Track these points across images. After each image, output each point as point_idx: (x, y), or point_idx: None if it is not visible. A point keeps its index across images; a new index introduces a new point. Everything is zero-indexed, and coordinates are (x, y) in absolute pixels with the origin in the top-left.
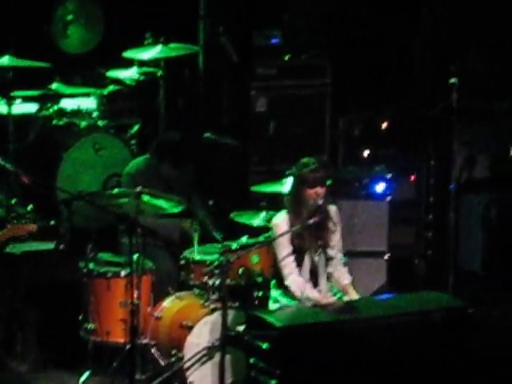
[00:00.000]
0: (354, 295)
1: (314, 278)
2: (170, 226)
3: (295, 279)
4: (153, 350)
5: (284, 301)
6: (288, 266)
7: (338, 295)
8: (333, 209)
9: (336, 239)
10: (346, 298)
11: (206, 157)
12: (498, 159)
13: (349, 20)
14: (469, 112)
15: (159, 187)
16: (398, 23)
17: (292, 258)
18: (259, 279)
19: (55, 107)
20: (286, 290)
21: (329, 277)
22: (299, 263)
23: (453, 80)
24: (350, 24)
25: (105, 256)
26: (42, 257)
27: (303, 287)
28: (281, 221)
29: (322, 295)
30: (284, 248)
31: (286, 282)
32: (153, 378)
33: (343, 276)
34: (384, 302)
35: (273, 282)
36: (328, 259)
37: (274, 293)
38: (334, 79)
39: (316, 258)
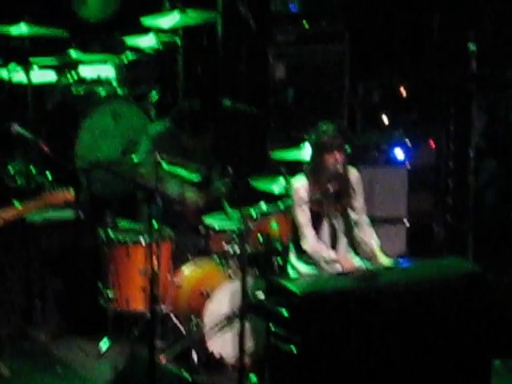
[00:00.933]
0: (383, 259)
1: (333, 242)
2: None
3: (313, 243)
4: (173, 318)
5: (301, 266)
6: (306, 230)
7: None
8: (354, 173)
9: (359, 202)
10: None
11: (224, 124)
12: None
13: None
14: (487, 79)
15: (178, 153)
16: None
17: (310, 221)
18: (278, 246)
19: (74, 75)
20: (304, 255)
21: (353, 242)
22: (318, 228)
23: (472, 47)
24: None
25: (124, 224)
26: (62, 225)
27: (320, 249)
28: (300, 185)
29: (342, 257)
30: (302, 212)
31: (304, 246)
32: (173, 345)
33: (371, 238)
34: (403, 268)
35: (291, 247)
36: (353, 223)
37: (292, 258)
38: (353, 45)
39: (335, 223)
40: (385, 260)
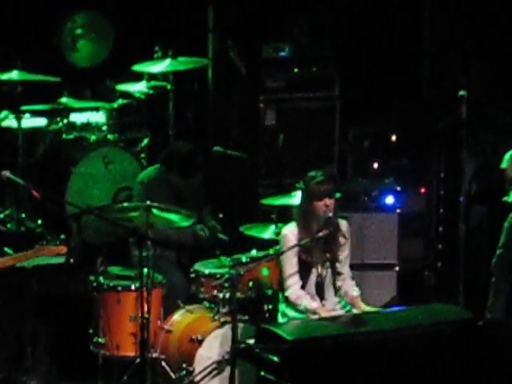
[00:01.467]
0: (362, 307)
1: (320, 292)
2: (182, 230)
3: (295, 290)
4: (163, 364)
5: (292, 314)
6: (291, 278)
7: (347, 308)
8: (343, 223)
9: (345, 253)
10: (354, 311)
11: (215, 170)
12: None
13: (357, 33)
14: (477, 123)
15: (170, 197)
16: (406, 36)
17: (296, 271)
18: (269, 292)
19: (65, 121)
20: (289, 302)
21: (338, 290)
22: (306, 277)
23: (462, 92)
24: (358, 37)
25: (115, 270)
26: (53, 271)
27: (303, 297)
28: (290, 232)
29: (320, 306)
30: (289, 260)
31: (286, 293)
32: None
33: (351, 289)
34: (394, 314)
35: (281, 295)
36: (337, 273)
37: (282, 306)
38: (343, 91)
39: (323, 272)
40: (366, 310)
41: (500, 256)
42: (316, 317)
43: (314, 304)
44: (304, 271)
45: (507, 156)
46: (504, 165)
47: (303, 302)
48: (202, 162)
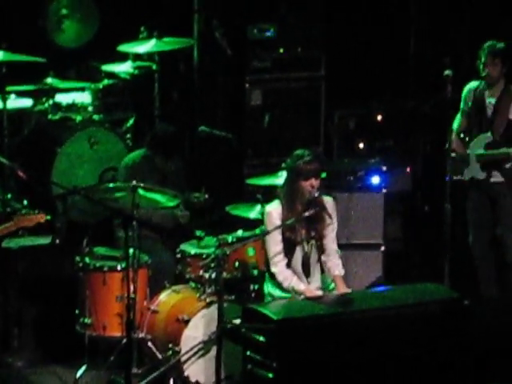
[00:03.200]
0: (342, 288)
1: (306, 269)
2: (163, 214)
3: (282, 270)
4: (149, 344)
5: (277, 293)
6: (276, 257)
7: (332, 286)
8: (329, 200)
9: (331, 231)
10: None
11: (201, 150)
12: None
13: (343, 13)
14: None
15: (155, 180)
16: (392, 17)
17: (281, 249)
18: (255, 272)
19: (50, 102)
20: (276, 281)
21: (323, 268)
22: (291, 254)
23: (447, 72)
24: (344, 17)
25: (101, 250)
26: (38, 251)
27: (290, 279)
28: (274, 210)
29: (307, 288)
30: (273, 238)
31: (272, 270)
32: (149, 371)
33: (335, 267)
34: (380, 293)
35: (267, 275)
36: (322, 250)
37: (268, 285)
38: (329, 72)
39: (308, 250)
40: (345, 290)
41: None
42: (302, 297)
43: (301, 286)
44: (288, 249)
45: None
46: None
47: (291, 284)
48: (184, 143)
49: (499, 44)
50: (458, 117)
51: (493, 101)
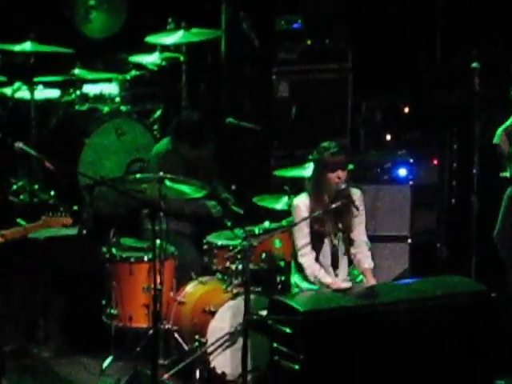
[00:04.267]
0: (371, 281)
1: (334, 262)
2: (196, 202)
3: (310, 263)
4: (176, 335)
5: (304, 285)
6: (304, 248)
7: (359, 278)
8: (357, 193)
9: (360, 223)
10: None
11: (228, 141)
12: None
13: (369, 5)
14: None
15: (182, 169)
16: (419, 9)
17: (308, 241)
18: (281, 263)
19: (78, 92)
20: (303, 274)
21: (351, 260)
22: (319, 247)
23: (474, 64)
24: (370, 9)
25: (127, 241)
26: (65, 242)
27: (317, 271)
28: (301, 202)
29: (334, 281)
30: (301, 230)
31: (300, 262)
32: (176, 362)
33: (365, 259)
34: (406, 286)
35: (293, 266)
36: (351, 242)
37: (294, 277)
38: (356, 64)
39: (336, 242)
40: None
41: (499, 231)
42: (329, 289)
43: (328, 279)
44: (316, 241)
45: (499, 131)
46: (497, 140)
47: (318, 276)
48: (211, 131)
49: None
50: None
51: None
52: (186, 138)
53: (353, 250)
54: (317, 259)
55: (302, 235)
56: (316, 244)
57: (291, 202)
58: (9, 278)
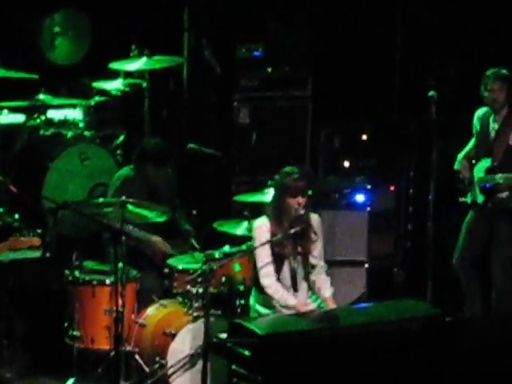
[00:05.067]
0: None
1: (294, 284)
2: (148, 240)
3: (273, 283)
4: (137, 357)
5: (263, 311)
6: (265, 268)
7: (318, 301)
8: (315, 218)
9: (318, 248)
10: (325, 306)
11: (189, 166)
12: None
13: (330, 34)
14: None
15: (144, 195)
16: (378, 38)
17: (270, 261)
18: (241, 287)
19: (42, 118)
20: (264, 296)
21: (311, 284)
22: (279, 269)
23: (431, 93)
24: (330, 38)
25: (90, 264)
26: (29, 264)
27: (281, 291)
28: (263, 223)
29: (300, 303)
30: (263, 251)
31: (265, 286)
32: None
33: (325, 287)
34: (363, 310)
35: (253, 291)
36: (310, 267)
37: (252, 300)
38: (315, 91)
39: (295, 265)
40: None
41: (458, 258)
42: (288, 312)
43: (291, 300)
44: (277, 263)
45: (459, 157)
46: (457, 166)
47: (282, 298)
48: (173, 156)
49: (503, 70)
50: (472, 140)
51: (496, 126)
52: (150, 160)
53: (313, 277)
54: (278, 280)
55: (264, 255)
56: (277, 266)
57: (252, 225)
58: None
